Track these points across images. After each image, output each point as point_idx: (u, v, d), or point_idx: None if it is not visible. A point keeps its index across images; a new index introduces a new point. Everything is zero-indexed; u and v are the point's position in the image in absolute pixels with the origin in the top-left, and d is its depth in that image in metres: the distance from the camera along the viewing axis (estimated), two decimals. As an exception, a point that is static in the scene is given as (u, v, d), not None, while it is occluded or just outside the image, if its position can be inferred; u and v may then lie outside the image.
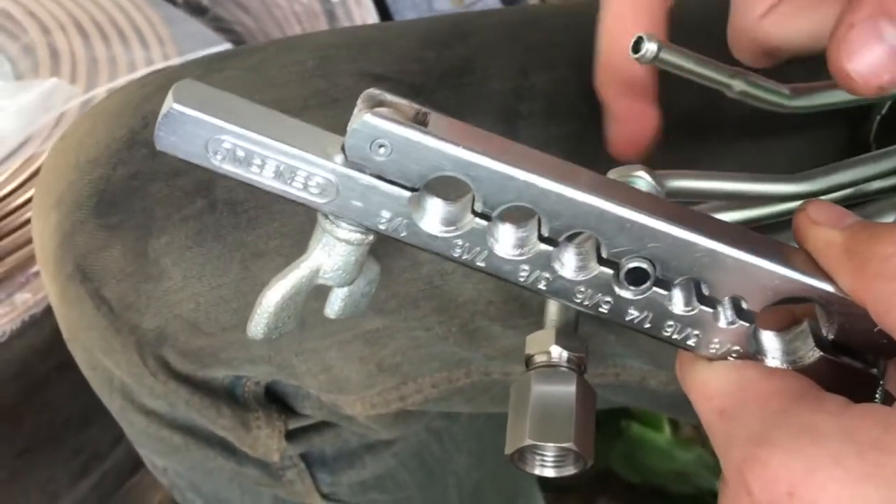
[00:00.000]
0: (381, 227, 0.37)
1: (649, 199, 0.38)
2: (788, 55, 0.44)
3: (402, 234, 0.37)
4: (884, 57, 0.36)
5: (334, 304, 0.42)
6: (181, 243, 0.53)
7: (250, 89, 0.55)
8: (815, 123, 0.51)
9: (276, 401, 0.62)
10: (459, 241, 0.37)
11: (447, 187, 0.37)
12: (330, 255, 0.39)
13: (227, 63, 0.58)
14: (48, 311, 0.88)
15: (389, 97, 0.36)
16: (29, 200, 0.90)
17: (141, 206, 0.54)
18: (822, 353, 0.39)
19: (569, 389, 0.41)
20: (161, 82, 0.57)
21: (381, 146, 0.35)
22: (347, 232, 0.38)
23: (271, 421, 0.61)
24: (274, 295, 0.39)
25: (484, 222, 0.37)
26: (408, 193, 0.37)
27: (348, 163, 0.36)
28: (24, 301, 0.89)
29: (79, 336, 0.58)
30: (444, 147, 0.35)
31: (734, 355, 0.39)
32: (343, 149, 0.36)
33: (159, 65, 1.03)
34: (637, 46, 0.41)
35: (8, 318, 0.87)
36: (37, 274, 0.90)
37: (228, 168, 0.36)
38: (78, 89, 0.98)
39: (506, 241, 0.38)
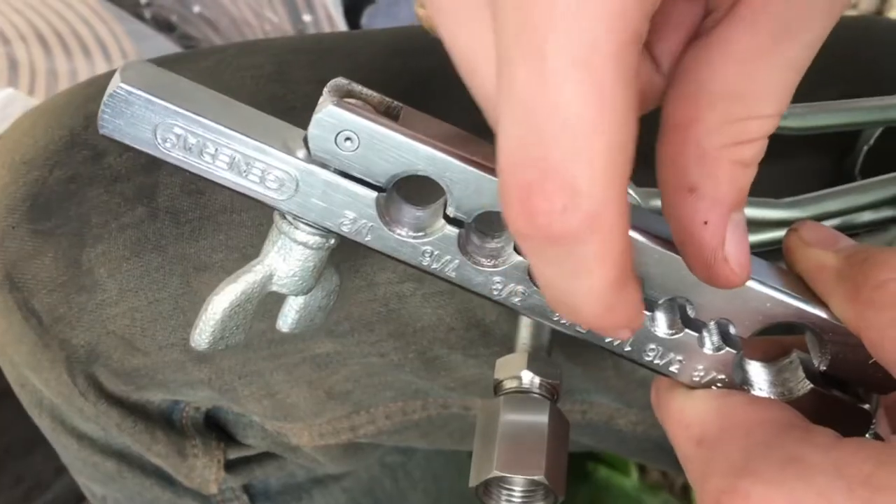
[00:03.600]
0: (344, 228, 0.35)
1: (637, 212, 0.35)
2: None
3: (366, 238, 0.35)
4: None
5: (287, 316, 0.39)
6: (118, 253, 0.50)
7: None
8: (799, 151, 0.49)
9: (216, 428, 0.58)
10: (428, 249, 0.35)
11: (418, 189, 0.34)
12: (286, 259, 0.36)
13: (178, 65, 0.55)
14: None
15: (358, 88, 0.34)
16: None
17: (77, 212, 0.51)
18: (812, 386, 0.37)
19: (541, 418, 0.39)
20: (107, 83, 0.54)
21: (347, 139, 0.33)
22: (306, 234, 0.36)
23: (209, 450, 0.57)
24: (222, 301, 0.37)
25: (456, 229, 0.35)
26: (374, 193, 0.34)
27: (310, 157, 0.34)
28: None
29: (6, 350, 0.55)
30: (416, 144, 0.33)
31: (719, 384, 0.37)
32: (305, 141, 0.33)
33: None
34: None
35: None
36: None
37: (177, 156, 0.34)
38: (35, 101, 0.95)
39: (479, 250, 0.35)
